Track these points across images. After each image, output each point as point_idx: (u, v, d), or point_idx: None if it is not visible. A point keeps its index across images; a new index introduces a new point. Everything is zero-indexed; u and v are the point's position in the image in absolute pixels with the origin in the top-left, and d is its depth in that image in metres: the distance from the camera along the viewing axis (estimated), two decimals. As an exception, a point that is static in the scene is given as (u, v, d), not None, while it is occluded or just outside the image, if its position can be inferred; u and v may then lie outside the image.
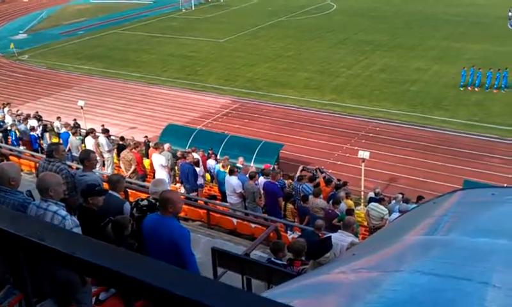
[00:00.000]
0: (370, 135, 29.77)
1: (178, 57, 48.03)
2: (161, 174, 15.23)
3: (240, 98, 36.69)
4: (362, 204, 20.53)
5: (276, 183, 14.38)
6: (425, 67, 41.65)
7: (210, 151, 21.00)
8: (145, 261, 1.47)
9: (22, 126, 20.68)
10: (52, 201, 5.45)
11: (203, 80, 41.19)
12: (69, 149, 17.71)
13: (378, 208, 14.12)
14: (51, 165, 7.59)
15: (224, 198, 15.30)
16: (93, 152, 8.99)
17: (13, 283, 5.12)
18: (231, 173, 14.33)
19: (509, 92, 35.05)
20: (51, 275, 5.12)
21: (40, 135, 20.86)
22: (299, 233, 12.35)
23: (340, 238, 8.41)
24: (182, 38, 55.30)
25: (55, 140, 20.59)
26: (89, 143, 17.87)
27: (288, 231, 13.35)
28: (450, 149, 27.41)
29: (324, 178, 17.66)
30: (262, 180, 14.86)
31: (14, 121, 21.52)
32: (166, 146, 16.69)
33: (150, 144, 20.84)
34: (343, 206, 13.57)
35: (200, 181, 16.23)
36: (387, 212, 14.13)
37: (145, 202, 6.94)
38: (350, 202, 15.39)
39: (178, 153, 18.00)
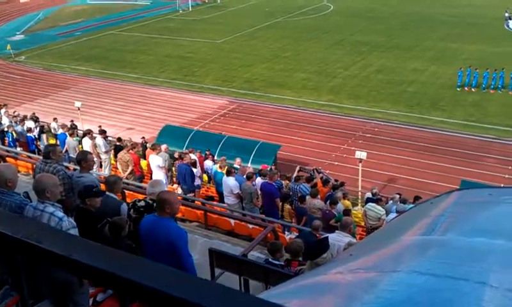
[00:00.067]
0: (368, 135, 29.80)
1: (175, 58, 48.01)
2: (158, 175, 15.21)
3: (237, 99, 36.69)
4: (359, 204, 20.53)
5: (274, 183, 14.39)
6: (422, 68, 41.72)
7: (207, 152, 20.99)
8: (141, 262, 1.47)
9: (18, 128, 20.63)
10: (49, 203, 5.44)
11: (200, 81, 41.18)
12: (66, 151, 17.68)
13: (375, 209, 14.13)
14: (48, 166, 7.57)
15: (221, 199, 15.28)
16: (90, 153, 8.97)
17: (11, 284, 5.11)
18: (228, 173, 14.33)
19: (506, 92, 35.15)
20: (49, 277, 5.11)
21: (36, 136, 20.82)
22: (297, 234, 12.35)
23: (338, 238, 8.42)
24: (179, 38, 55.28)
25: (52, 141, 20.58)
26: (87, 144, 17.84)
27: (286, 232, 13.35)
28: (447, 150, 27.45)
29: (321, 178, 17.66)
30: (259, 180, 14.85)
31: (11, 122, 21.45)
32: (163, 147, 16.68)
33: (147, 145, 20.76)
34: (340, 206, 13.58)
35: (197, 182, 16.22)
36: (384, 212, 14.14)
37: (142, 203, 6.94)
38: (347, 202, 15.40)
39: (176, 154, 18.00)
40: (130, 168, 15.92)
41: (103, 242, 5.66)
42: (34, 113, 26.05)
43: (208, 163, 19.07)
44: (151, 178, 15.65)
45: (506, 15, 56.11)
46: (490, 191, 4.06)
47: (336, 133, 30.10)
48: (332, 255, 6.50)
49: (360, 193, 21.76)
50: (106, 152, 18.24)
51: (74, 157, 15.47)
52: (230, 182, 14.04)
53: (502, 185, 19.84)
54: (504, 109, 32.54)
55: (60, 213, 5.39)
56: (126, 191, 11.66)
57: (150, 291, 1.30)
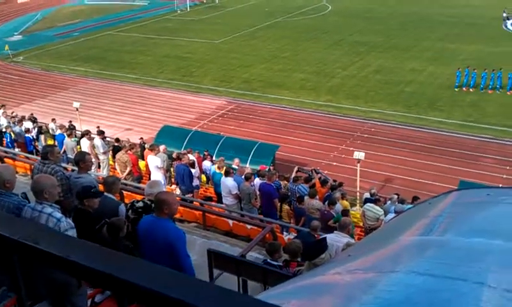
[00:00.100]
0: (366, 136, 29.81)
1: (173, 59, 48.00)
2: (157, 175, 15.20)
3: (235, 99, 36.69)
4: (358, 205, 20.54)
5: (272, 184, 14.38)
6: (421, 68, 41.76)
7: (205, 153, 20.98)
8: (139, 264, 1.47)
9: (16, 128, 20.60)
10: (47, 203, 5.43)
11: (198, 82, 41.17)
12: (64, 151, 17.66)
13: (374, 209, 14.13)
14: (46, 167, 7.57)
15: (220, 199, 15.27)
16: (88, 154, 8.97)
17: (9, 285, 5.10)
18: (227, 174, 14.33)
19: (504, 93, 35.20)
20: (47, 278, 5.10)
21: (35, 137, 20.78)
22: (295, 234, 12.36)
23: (336, 238, 8.41)
24: (177, 39, 55.26)
25: (50, 142, 20.55)
26: (85, 145, 17.82)
27: (284, 232, 13.34)
28: (445, 150, 27.48)
29: (319, 178, 17.67)
30: (257, 181, 14.85)
31: (9, 123, 21.42)
32: (162, 147, 16.66)
33: (146, 145, 20.76)
34: (338, 207, 13.59)
35: (196, 182, 16.20)
36: (383, 212, 14.15)
37: (141, 204, 6.94)
38: (346, 203, 15.42)
39: (174, 155, 17.97)
40: (128, 169, 15.90)
41: (101, 243, 5.66)
42: (32, 114, 26.01)
43: (206, 163, 19.06)
44: (149, 178, 15.64)
45: (504, 15, 56.22)
46: (488, 191, 4.06)
47: (334, 134, 30.11)
48: (330, 256, 6.50)
49: (358, 193, 21.76)
50: (104, 153, 18.22)
51: (72, 157, 15.42)
52: (228, 183, 14.04)
53: (500, 185, 19.85)
54: (502, 109, 32.59)
55: (58, 214, 5.38)
56: (124, 192, 11.66)
57: (147, 292, 1.30)
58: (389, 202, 16.45)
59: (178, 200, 8.04)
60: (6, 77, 44.77)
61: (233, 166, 16.96)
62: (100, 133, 19.11)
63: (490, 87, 35.66)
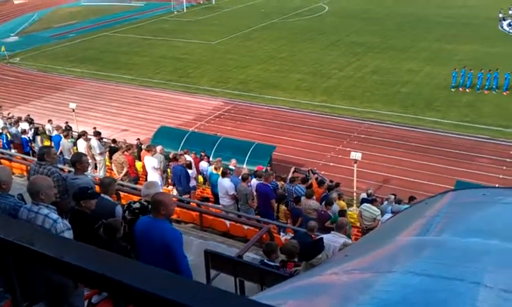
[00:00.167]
0: (362, 136, 29.85)
1: (170, 60, 47.97)
2: (153, 176, 15.18)
3: (232, 100, 36.69)
4: (355, 205, 20.57)
5: (269, 184, 14.39)
6: (417, 68, 41.83)
7: (202, 153, 20.96)
8: (134, 265, 1.46)
9: (13, 130, 20.57)
10: (43, 205, 5.42)
11: (195, 83, 41.16)
12: (61, 152, 17.63)
13: (370, 209, 14.14)
14: (42, 168, 7.55)
15: (216, 200, 15.27)
16: (85, 155, 8.95)
17: (5, 287, 5.09)
18: (223, 174, 14.32)
19: (500, 93, 35.27)
20: (44, 279, 5.09)
21: (31, 138, 20.76)
22: (292, 235, 12.36)
23: (333, 239, 8.42)
24: (174, 40, 55.22)
25: (46, 143, 20.50)
26: (81, 146, 17.80)
27: (281, 233, 13.34)
28: (441, 150, 27.54)
29: (316, 179, 17.68)
30: (254, 181, 14.85)
31: (5, 124, 21.40)
32: (159, 148, 16.65)
33: (142, 146, 20.77)
34: (335, 207, 13.59)
35: (193, 183, 16.19)
36: (379, 212, 14.16)
37: (137, 204, 6.93)
38: (342, 203, 15.42)
39: (171, 156, 17.97)
40: (125, 170, 15.90)
41: (98, 244, 5.65)
42: (28, 115, 25.99)
43: (203, 164, 19.05)
44: (146, 179, 15.63)
45: (500, 15, 56.38)
46: (484, 191, 4.07)
47: (331, 134, 30.14)
48: (327, 256, 6.50)
49: (355, 194, 21.79)
50: (101, 154, 18.21)
51: (69, 158, 15.41)
52: (225, 183, 14.04)
53: (497, 185, 19.90)
54: (498, 109, 32.67)
55: (54, 215, 5.37)
56: (121, 193, 11.65)
57: (142, 294, 1.30)
58: (386, 202, 16.47)
59: (175, 201, 8.03)
60: (2, 78, 44.67)
61: (230, 167, 16.96)
62: (97, 134, 19.11)
63: (486, 87, 35.75)
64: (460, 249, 2.57)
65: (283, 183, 16.70)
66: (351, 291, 2.23)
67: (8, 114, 25.88)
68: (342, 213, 12.83)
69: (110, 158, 17.66)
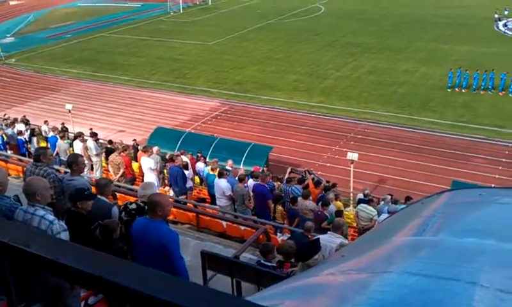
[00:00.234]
0: (359, 136, 29.87)
1: (166, 60, 47.93)
2: (150, 177, 15.16)
3: (229, 101, 36.67)
4: (351, 205, 20.57)
5: (266, 185, 14.39)
6: (413, 69, 41.89)
7: (199, 154, 20.95)
8: (130, 266, 1.46)
9: (9, 131, 20.52)
10: (40, 206, 5.41)
11: (191, 83, 41.12)
12: (57, 153, 17.59)
13: (367, 209, 14.15)
14: (38, 169, 7.53)
15: (213, 201, 15.26)
16: (81, 156, 8.92)
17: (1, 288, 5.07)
18: (220, 175, 14.31)
19: (496, 93, 35.35)
20: (41, 280, 5.08)
21: (27, 139, 20.71)
22: (289, 235, 12.36)
23: (329, 239, 8.42)
24: (171, 41, 55.16)
25: (43, 144, 20.46)
26: (78, 147, 17.77)
27: (278, 233, 13.34)
28: (438, 150, 27.58)
29: (313, 179, 17.69)
30: (251, 182, 14.86)
31: (1, 125, 21.36)
32: (155, 149, 16.62)
33: (139, 147, 20.75)
34: (332, 207, 13.60)
35: (189, 184, 16.18)
36: (376, 213, 14.17)
37: (134, 205, 6.92)
38: (339, 203, 15.43)
39: (167, 156, 17.94)
40: (121, 170, 15.88)
41: (94, 245, 5.63)
42: (24, 116, 25.93)
43: (200, 165, 19.04)
44: (142, 180, 15.59)
45: (496, 16, 56.55)
46: (480, 191, 4.08)
47: (327, 135, 30.15)
48: (324, 256, 6.50)
49: (351, 194, 21.80)
50: (97, 155, 18.18)
51: (65, 159, 15.38)
52: (222, 184, 14.03)
53: (493, 185, 19.94)
54: (494, 109, 32.75)
55: (50, 217, 5.36)
56: (117, 194, 11.63)
57: (139, 295, 1.29)
58: (382, 202, 16.48)
59: (171, 202, 8.03)
60: (-2, 79, 44.59)
61: (227, 167, 16.95)
62: (93, 135, 19.06)
63: (482, 88, 35.81)
64: (456, 249, 2.58)
65: (279, 183, 16.71)
66: (348, 292, 2.23)
67: (4, 115, 25.83)
68: (339, 213, 12.84)
69: (106, 159, 17.64)
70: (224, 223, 12.30)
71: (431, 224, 3.12)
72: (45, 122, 24.41)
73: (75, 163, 7.64)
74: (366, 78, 40.40)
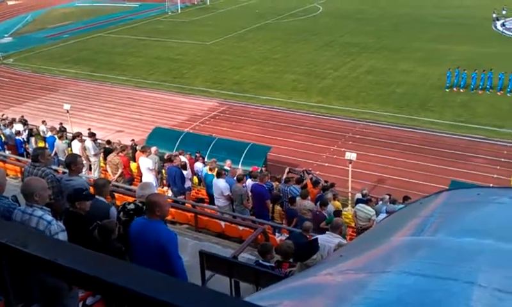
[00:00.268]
0: (357, 136, 29.89)
1: (164, 60, 47.91)
2: (148, 177, 15.16)
3: (227, 101, 36.67)
4: (349, 205, 20.59)
5: (264, 185, 14.39)
6: (411, 69, 41.91)
7: (197, 154, 20.95)
8: (127, 267, 1.46)
9: (7, 131, 20.49)
10: (38, 206, 5.40)
11: (190, 83, 41.11)
12: (55, 154, 17.58)
13: (365, 209, 14.16)
14: (36, 169, 7.53)
15: (211, 201, 15.26)
16: (80, 156, 8.92)
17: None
18: (218, 175, 14.31)
19: (494, 93, 35.39)
20: (39, 281, 5.07)
21: (25, 139, 20.69)
22: (287, 235, 12.36)
23: (328, 239, 8.42)
24: (169, 40, 55.14)
25: (41, 144, 20.43)
26: (76, 147, 17.75)
27: (276, 233, 13.34)
28: (436, 150, 27.61)
29: (311, 179, 17.69)
30: (249, 182, 14.85)
31: (-1, 125, 21.33)
32: (153, 149, 16.62)
33: (137, 147, 20.74)
34: (330, 207, 13.60)
35: (188, 184, 16.18)
36: (374, 212, 14.18)
37: (132, 206, 6.92)
38: (337, 203, 15.44)
39: (166, 156, 17.95)
40: (119, 171, 15.87)
41: (93, 246, 5.63)
42: (22, 116, 25.91)
43: (198, 165, 19.03)
44: (141, 180, 15.59)
45: (494, 15, 56.62)
46: (479, 191, 4.07)
47: (325, 135, 30.16)
48: (322, 256, 6.50)
49: (349, 194, 21.81)
50: (95, 155, 18.16)
51: (63, 160, 15.38)
52: (220, 184, 14.03)
53: (491, 185, 19.97)
54: (492, 109, 32.79)
55: (49, 217, 5.35)
56: (116, 194, 11.62)
57: (136, 296, 1.29)
58: (380, 202, 16.50)
59: (169, 202, 8.03)
60: (-4, 80, 44.54)
61: (225, 167, 16.95)
62: (91, 135, 19.06)
63: (480, 87, 35.86)
64: (454, 249, 2.58)
65: (278, 183, 16.71)
66: (346, 292, 2.23)
67: (2, 115, 25.79)
68: (337, 213, 12.84)
69: (104, 159, 17.62)
70: (222, 223, 12.30)
71: (429, 224, 3.12)
72: (43, 122, 24.39)
73: (73, 163, 7.64)
74: (364, 78, 40.41)
